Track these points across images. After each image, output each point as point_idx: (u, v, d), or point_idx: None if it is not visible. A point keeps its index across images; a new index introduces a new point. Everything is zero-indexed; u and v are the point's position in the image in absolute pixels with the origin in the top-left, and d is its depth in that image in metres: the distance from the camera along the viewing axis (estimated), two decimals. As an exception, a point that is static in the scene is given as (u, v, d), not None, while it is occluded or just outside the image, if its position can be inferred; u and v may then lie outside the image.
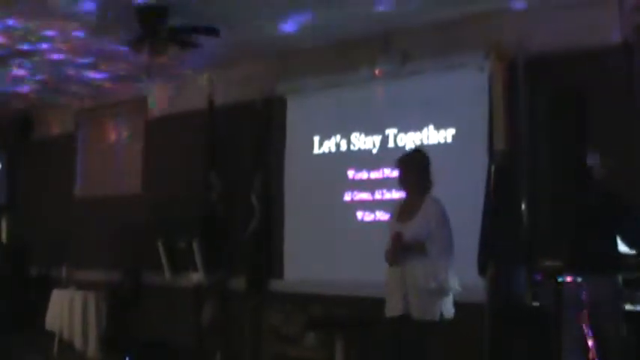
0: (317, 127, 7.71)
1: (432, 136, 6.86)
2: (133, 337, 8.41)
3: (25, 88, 9.55)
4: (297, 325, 6.94)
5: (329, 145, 7.63)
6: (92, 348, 8.61)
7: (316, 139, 7.70)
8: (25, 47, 7.71)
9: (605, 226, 4.94)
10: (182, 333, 7.87)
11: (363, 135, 7.34)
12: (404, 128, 7.03)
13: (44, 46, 7.69)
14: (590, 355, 4.74)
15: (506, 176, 5.91)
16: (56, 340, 8.80)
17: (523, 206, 5.86)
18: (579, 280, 4.93)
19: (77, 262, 9.56)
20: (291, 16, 6.71)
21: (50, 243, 10.21)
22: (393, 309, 4.86)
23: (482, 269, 5.93)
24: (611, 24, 5.64)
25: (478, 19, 6.35)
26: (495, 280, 5.82)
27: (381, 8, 6.42)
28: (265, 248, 7.84)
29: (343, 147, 7.51)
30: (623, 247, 4.97)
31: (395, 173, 5.39)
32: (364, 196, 7.25)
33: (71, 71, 8.71)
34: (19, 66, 8.45)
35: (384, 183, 6.98)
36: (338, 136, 7.54)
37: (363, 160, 7.26)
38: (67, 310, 8.79)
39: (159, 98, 9.35)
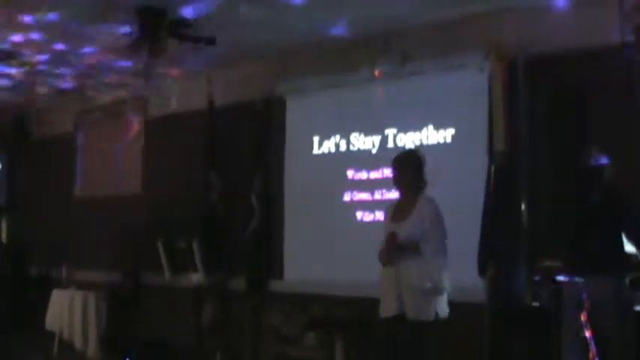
0: (317, 128, 7.71)
1: (432, 136, 6.86)
2: (133, 337, 8.41)
3: (24, 89, 9.55)
4: (297, 325, 6.94)
5: (329, 146, 7.63)
6: (92, 348, 8.62)
7: (316, 139, 7.70)
8: (24, 47, 7.70)
9: (606, 226, 4.94)
10: (182, 333, 7.87)
11: (362, 135, 7.34)
12: (403, 128, 7.03)
13: (43, 45, 7.69)
14: (590, 356, 4.74)
15: (506, 176, 5.91)
16: (56, 340, 8.80)
17: (523, 206, 5.86)
18: (579, 280, 4.94)
19: (77, 262, 9.56)
20: (291, 16, 6.71)
21: (50, 243, 10.21)
22: (387, 309, 4.85)
23: (482, 269, 5.94)
24: (611, 24, 5.63)
25: (478, 20, 6.35)
26: (495, 281, 5.82)
27: (380, 8, 6.41)
28: (265, 248, 7.84)
29: (343, 147, 7.51)
30: (629, 247, 4.97)
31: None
32: (364, 196, 7.25)
33: (71, 72, 8.70)
34: (19, 65, 8.45)
35: (384, 183, 6.97)
36: (338, 137, 7.54)
37: (363, 160, 7.26)
38: (67, 310, 8.79)
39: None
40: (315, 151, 7.71)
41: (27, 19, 6.85)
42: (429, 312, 4.72)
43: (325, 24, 6.86)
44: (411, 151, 5.54)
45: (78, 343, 8.64)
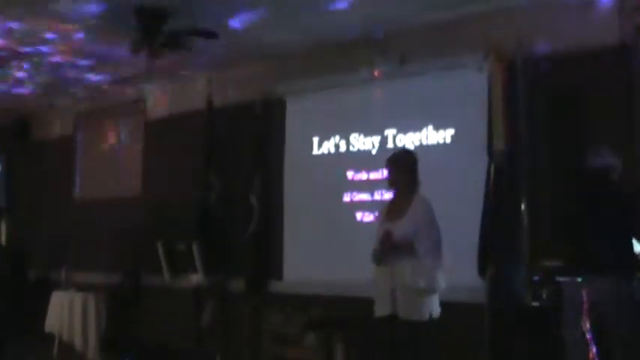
0: (316, 128, 7.71)
1: (432, 136, 6.86)
2: (132, 339, 8.40)
3: (24, 90, 9.55)
4: (297, 325, 6.93)
5: (328, 146, 7.62)
6: (92, 350, 8.61)
7: (315, 139, 7.70)
8: (25, 49, 7.71)
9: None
10: (182, 334, 7.86)
11: (362, 136, 7.34)
12: (403, 129, 7.03)
13: (44, 48, 7.69)
14: (590, 356, 4.74)
15: (505, 176, 5.90)
16: (56, 341, 8.80)
17: (523, 206, 5.85)
18: (579, 280, 4.94)
19: (77, 264, 9.55)
20: (290, 17, 6.71)
21: (50, 245, 10.22)
22: (382, 309, 4.85)
23: (482, 269, 5.93)
24: (610, 24, 5.64)
25: (477, 20, 6.36)
26: (495, 281, 5.81)
27: (380, 9, 6.41)
28: (265, 249, 7.84)
29: (342, 148, 7.51)
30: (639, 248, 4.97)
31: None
32: (363, 196, 7.24)
33: (71, 73, 8.71)
34: (19, 68, 8.45)
35: (384, 184, 6.93)
36: (337, 137, 7.54)
37: (363, 160, 7.26)
38: (67, 312, 8.79)
39: (158, 99, 9.35)
40: (315, 151, 7.71)
41: (32, 24, 6.89)
42: (422, 312, 4.73)
43: (325, 24, 6.86)
44: (405, 151, 5.58)
45: (78, 344, 8.63)
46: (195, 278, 7.63)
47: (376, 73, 7.15)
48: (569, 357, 4.93)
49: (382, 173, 7.01)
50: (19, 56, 7.97)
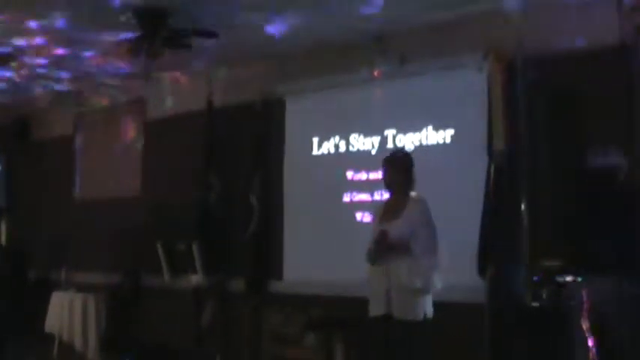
0: (316, 128, 7.71)
1: (431, 136, 6.86)
2: (132, 339, 8.40)
3: (24, 90, 9.55)
4: (297, 326, 6.93)
5: (328, 146, 7.62)
6: (92, 350, 8.61)
7: (315, 140, 7.70)
8: (24, 48, 7.71)
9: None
10: (182, 334, 7.86)
11: (362, 136, 7.34)
12: (403, 129, 7.03)
13: (43, 48, 7.69)
14: (590, 356, 4.74)
15: (505, 176, 5.90)
16: (56, 342, 8.80)
17: (523, 206, 5.85)
18: (579, 280, 4.94)
19: (77, 265, 9.55)
20: (290, 18, 6.70)
21: (50, 245, 10.21)
22: (376, 309, 4.85)
23: (481, 269, 5.93)
24: (610, 24, 5.63)
25: (476, 20, 6.35)
26: (495, 281, 5.81)
27: (379, 9, 6.41)
28: (265, 249, 7.84)
29: (342, 148, 7.51)
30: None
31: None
32: (363, 197, 7.24)
33: (70, 73, 8.70)
34: (18, 67, 8.45)
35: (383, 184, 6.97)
36: (337, 137, 7.54)
37: (362, 161, 7.25)
38: (67, 313, 8.79)
39: (158, 99, 9.35)
40: (315, 152, 7.71)
41: (31, 24, 6.87)
42: (417, 312, 4.73)
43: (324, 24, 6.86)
44: (401, 151, 5.63)
45: (78, 344, 8.64)
46: (195, 278, 7.63)
47: (376, 73, 7.14)
48: (569, 357, 4.93)
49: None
50: (18, 55, 7.96)
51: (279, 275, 7.81)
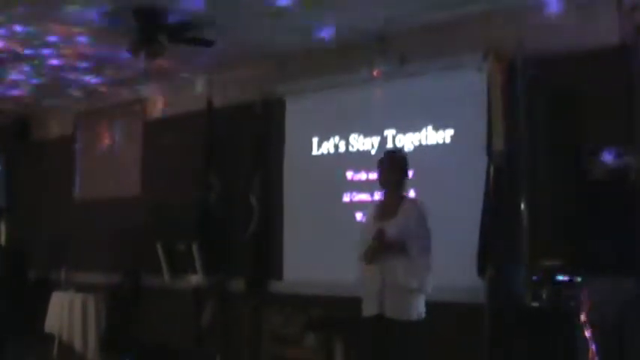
0: (316, 129, 7.71)
1: (431, 136, 6.85)
2: (132, 339, 8.40)
3: (24, 91, 9.55)
4: (297, 326, 6.93)
5: (328, 147, 7.62)
6: (92, 350, 8.61)
7: (315, 140, 7.70)
8: (26, 51, 7.71)
9: (607, 225, 4.93)
10: (182, 334, 7.87)
11: (361, 136, 7.34)
12: (402, 129, 7.03)
13: (44, 49, 7.69)
14: (590, 356, 4.74)
15: (505, 176, 5.90)
16: (56, 342, 8.80)
17: (523, 206, 5.85)
18: (579, 280, 4.94)
19: (77, 264, 9.55)
20: (290, 18, 6.71)
21: (49, 245, 10.22)
22: (370, 308, 4.85)
23: (481, 270, 5.93)
24: (610, 24, 5.63)
25: (477, 20, 6.35)
26: (495, 281, 5.81)
27: (379, 9, 6.41)
28: (264, 249, 7.84)
29: (342, 148, 7.50)
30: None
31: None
32: (363, 197, 7.24)
33: (70, 74, 8.70)
34: (19, 69, 8.45)
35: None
36: (337, 137, 7.53)
37: (362, 161, 7.25)
38: (67, 313, 8.78)
39: (157, 99, 9.35)
40: (315, 152, 7.71)
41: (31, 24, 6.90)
42: (410, 312, 4.73)
43: (324, 24, 6.86)
44: (396, 151, 5.64)
45: (77, 345, 8.63)
46: (195, 278, 7.63)
47: (376, 73, 7.14)
48: (570, 357, 4.93)
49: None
50: (20, 58, 7.96)
51: (279, 275, 7.81)
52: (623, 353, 4.82)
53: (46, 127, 11.06)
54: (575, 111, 5.91)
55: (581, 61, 5.75)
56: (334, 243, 7.25)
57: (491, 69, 6.13)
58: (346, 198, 7.38)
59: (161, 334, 8.20)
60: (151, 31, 6.58)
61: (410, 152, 6.78)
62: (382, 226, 4.82)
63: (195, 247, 7.42)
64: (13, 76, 8.73)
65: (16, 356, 8.71)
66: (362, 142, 7.34)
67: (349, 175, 7.38)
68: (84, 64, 8.27)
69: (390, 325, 4.70)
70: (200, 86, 8.45)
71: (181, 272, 7.74)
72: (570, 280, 5.00)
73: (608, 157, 5.07)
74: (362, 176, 7.28)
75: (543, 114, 6.03)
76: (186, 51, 7.14)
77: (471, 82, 6.43)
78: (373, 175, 7.06)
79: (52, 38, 7.30)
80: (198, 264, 7.45)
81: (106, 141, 10.13)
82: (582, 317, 4.80)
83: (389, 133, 7.12)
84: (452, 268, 5.84)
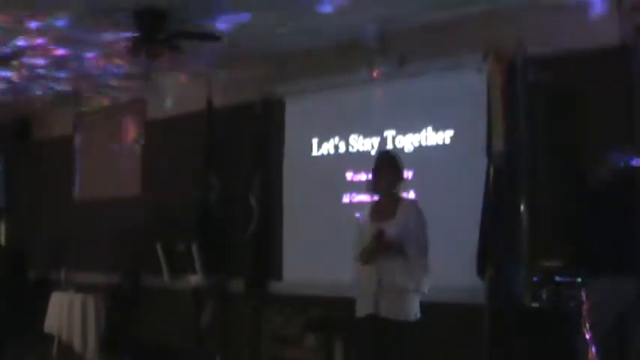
0: (316, 129, 7.71)
1: (431, 137, 6.85)
2: (132, 340, 8.41)
3: (24, 90, 9.55)
4: (297, 326, 6.94)
5: (328, 147, 7.62)
6: (91, 350, 8.60)
7: (315, 140, 7.70)
8: (24, 49, 7.71)
9: (607, 225, 4.92)
10: (181, 335, 7.87)
11: (361, 137, 7.34)
12: (402, 130, 7.02)
13: (43, 48, 7.69)
14: (590, 356, 4.74)
15: (505, 177, 5.90)
16: (55, 342, 8.80)
17: (523, 206, 5.85)
18: (579, 280, 4.94)
19: (77, 264, 9.55)
20: (290, 18, 6.71)
21: (50, 245, 10.21)
22: (364, 308, 4.84)
23: (481, 270, 5.92)
24: (610, 24, 5.63)
25: (477, 20, 6.35)
26: (495, 281, 5.81)
27: (379, 9, 6.41)
28: (264, 250, 7.84)
29: (342, 149, 7.51)
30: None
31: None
32: (363, 197, 7.23)
33: (71, 73, 8.70)
34: (19, 68, 8.45)
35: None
36: (337, 138, 7.54)
37: (362, 161, 7.23)
38: (67, 313, 8.78)
39: (158, 100, 9.35)
40: (314, 152, 7.71)
41: (31, 24, 6.87)
42: (407, 312, 4.72)
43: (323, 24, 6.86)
44: (390, 152, 5.64)
45: (77, 345, 8.63)
46: (195, 279, 7.63)
47: (375, 74, 7.14)
48: (570, 357, 4.93)
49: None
50: (18, 56, 7.95)
51: (278, 276, 7.81)
52: (623, 353, 4.82)
53: (46, 127, 11.06)
54: (575, 111, 5.91)
55: (581, 62, 5.75)
56: (334, 243, 7.23)
57: (491, 69, 6.13)
58: (346, 199, 7.38)
59: (161, 334, 8.20)
60: (151, 30, 6.57)
61: (410, 153, 6.81)
62: (381, 227, 4.81)
63: (195, 248, 7.42)
64: (13, 74, 8.73)
65: (15, 356, 8.71)
66: (362, 143, 7.34)
67: (349, 175, 7.38)
68: (84, 64, 8.26)
69: (387, 325, 4.69)
70: (200, 86, 8.44)
71: (181, 272, 7.74)
72: (570, 281, 4.99)
73: (608, 157, 5.06)
74: (362, 177, 7.26)
75: (543, 114, 6.03)
76: (186, 51, 7.12)
77: (471, 83, 6.44)
78: (373, 176, 7.09)
79: (50, 37, 7.30)
80: (198, 264, 7.45)
81: (107, 141, 10.13)
82: (582, 318, 4.79)
83: (389, 133, 7.12)
84: (452, 268, 5.83)
